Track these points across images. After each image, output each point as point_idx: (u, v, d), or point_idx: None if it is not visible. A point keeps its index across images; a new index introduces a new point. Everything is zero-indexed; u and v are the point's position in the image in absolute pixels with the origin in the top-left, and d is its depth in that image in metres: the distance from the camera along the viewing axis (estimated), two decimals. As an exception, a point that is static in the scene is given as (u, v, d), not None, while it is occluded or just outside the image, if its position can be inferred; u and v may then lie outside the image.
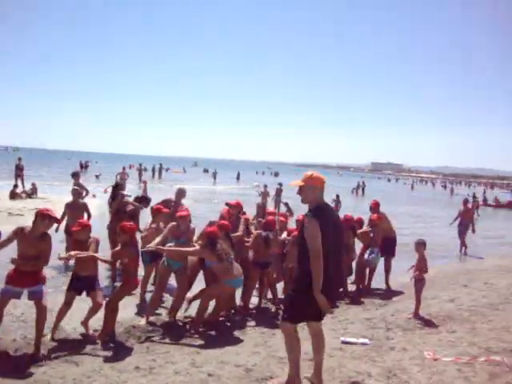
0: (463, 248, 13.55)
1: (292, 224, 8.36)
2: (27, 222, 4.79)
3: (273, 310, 6.92)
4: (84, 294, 5.36)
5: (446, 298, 7.42)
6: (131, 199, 8.62)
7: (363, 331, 5.70)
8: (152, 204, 8.16)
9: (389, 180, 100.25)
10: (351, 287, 8.11)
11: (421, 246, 6.53)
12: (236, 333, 5.80)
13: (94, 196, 17.99)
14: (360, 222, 8.55)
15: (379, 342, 5.28)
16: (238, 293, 6.59)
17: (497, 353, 4.82)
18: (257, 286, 6.97)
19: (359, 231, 8.26)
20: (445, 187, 74.20)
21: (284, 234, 7.36)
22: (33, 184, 20.20)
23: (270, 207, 16.60)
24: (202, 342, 5.38)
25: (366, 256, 8.13)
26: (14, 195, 18.59)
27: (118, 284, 6.82)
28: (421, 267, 6.43)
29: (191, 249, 5.89)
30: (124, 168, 28.18)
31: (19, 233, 4.63)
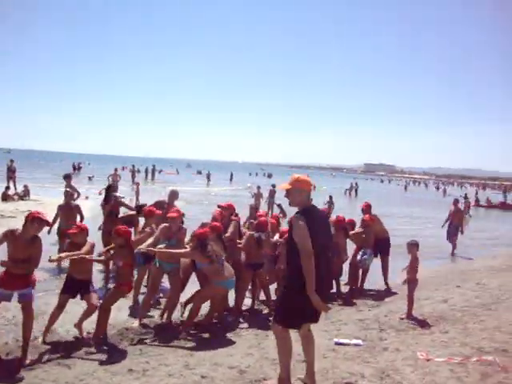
0: (453, 248, 13.59)
1: (285, 225, 8.37)
2: (19, 224, 4.76)
3: (266, 311, 6.92)
4: (78, 296, 5.33)
5: (439, 299, 7.44)
6: (127, 201, 8.57)
7: (356, 332, 5.71)
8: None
9: (382, 181, 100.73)
10: (344, 288, 8.12)
11: (413, 246, 6.54)
12: (229, 334, 5.79)
13: (86, 198, 17.92)
14: (352, 224, 8.55)
15: (372, 343, 5.29)
16: (231, 294, 6.58)
17: (489, 353, 4.84)
18: (249, 287, 6.97)
19: (351, 232, 8.27)
20: (438, 188, 74.67)
21: (276, 236, 7.36)
22: (25, 186, 20.08)
23: (263, 209, 16.61)
24: (195, 344, 5.37)
25: (358, 257, 8.15)
26: (5, 197, 18.49)
27: (111, 286, 6.79)
28: (413, 268, 6.46)
29: (182, 251, 5.87)
30: (116, 169, 28.04)
31: (9, 235, 4.58)
